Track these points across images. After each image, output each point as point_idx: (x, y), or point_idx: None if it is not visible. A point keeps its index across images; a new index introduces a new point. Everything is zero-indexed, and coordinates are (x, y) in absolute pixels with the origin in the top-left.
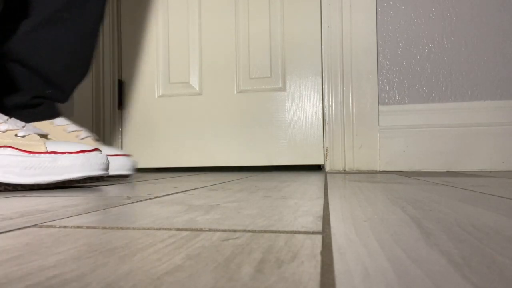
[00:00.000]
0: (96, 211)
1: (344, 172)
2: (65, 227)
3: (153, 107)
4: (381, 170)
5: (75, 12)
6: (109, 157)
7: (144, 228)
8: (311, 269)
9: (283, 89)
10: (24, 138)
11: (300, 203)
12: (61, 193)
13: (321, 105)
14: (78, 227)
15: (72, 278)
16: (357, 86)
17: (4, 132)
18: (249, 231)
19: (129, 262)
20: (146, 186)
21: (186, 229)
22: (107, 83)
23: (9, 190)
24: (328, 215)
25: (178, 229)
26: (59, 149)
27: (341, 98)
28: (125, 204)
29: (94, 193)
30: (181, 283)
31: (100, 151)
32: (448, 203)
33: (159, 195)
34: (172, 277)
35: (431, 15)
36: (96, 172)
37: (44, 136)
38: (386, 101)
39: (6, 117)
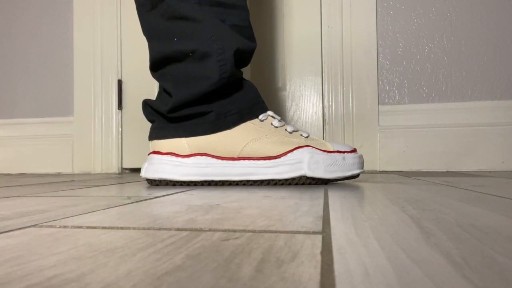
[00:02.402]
0: (96, 211)
1: None
2: (65, 227)
3: None
4: (381, 170)
5: None
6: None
7: (144, 228)
8: (311, 269)
9: (283, 89)
10: (307, 138)
11: (300, 203)
12: (61, 193)
13: (321, 105)
14: (78, 227)
15: (72, 278)
16: (357, 86)
17: (291, 132)
18: (249, 231)
19: (129, 262)
20: (146, 186)
21: (186, 229)
22: (107, 83)
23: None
24: (328, 215)
25: (178, 229)
26: (340, 148)
27: (341, 98)
28: (125, 204)
29: (94, 193)
30: (181, 283)
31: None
32: (448, 203)
33: (159, 195)
34: (172, 277)
35: (431, 15)
36: (360, 170)
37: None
38: (386, 101)
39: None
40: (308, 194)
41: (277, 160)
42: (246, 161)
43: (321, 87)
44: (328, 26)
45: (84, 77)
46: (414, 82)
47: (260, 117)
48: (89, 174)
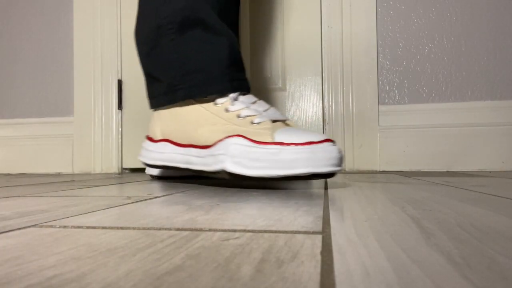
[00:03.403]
0: (96, 211)
1: (344, 172)
2: (65, 227)
3: None
4: (381, 170)
5: None
6: None
7: (144, 228)
8: (311, 269)
9: (283, 89)
10: (258, 125)
11: (300, 203)
12: (61, 193)
13: (321, 105)
14: (78, 227)
15: (72, 278)
16: (357, 86)
17: (243, 118)
18: (249, 231)
19: (129, 262)
20: (146, 186)
21: (186, 229)
22: (107, 83)
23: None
24: (328, 215)
25: (178, 229)
26: (287, 139)
27: (341, 98)
28: (125, 204)
29: (94, 193)
30: (181, 283)
31: (333, 142)
32: (448, 203)
33: (159, 195)
34: (172, 277)
35: (431, 15)
36: (323, 168)
37: (282, 121)
38: (386, 101)
39: (255, 99)
40: (308, 194)
41: (208, 150)
42: (191, 149)
43: (321, 87)
44: (328, 26)
45: (84, 77)
46: (414, 82)
47: (217, 101)
48: (89, 174)
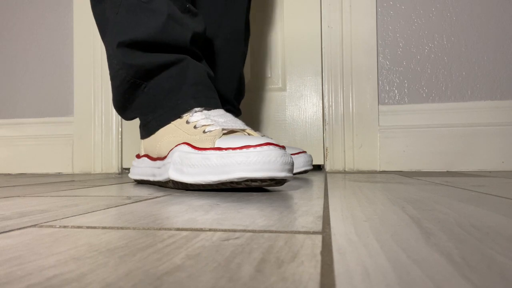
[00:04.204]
0: (96, 211)
1: (344, 172)
2: (65, 227)
3: None
4: (381, 170)
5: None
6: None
7: (144, 228)
8: (311, 269)
9: (283, 89)
10: (209, 133)
11: (300, 203)
12: (61, 193)
13: (321, 105)
14: (78, 227)
15: (72, 278)
16: (357, 86)
17: (199, 128)
18: (249, 231)
19: (129, 262)
20: (146, 186)
21: (186, 229)
22: (107, 83)
23: (181, 189)
24: (328, 215)
25: (178, 229)
26: (225, 144)
27: (341, 98)
28: (125, 204)
29: (94, 193)
30: (181, 283)
31: (278, 146)
32: (448, 203)
33: (159, 195)
34: (172, 277)
35: (431, 15)
36: (258, 173)
37: (241, 130)
38: (386, 101)
39: (222, 113)
40: (308, 194)
41: (163, 160)
42: (157, 162)
43: (321, 87)
44: (328, 26)
45: (84, 77)
46: (414, 82)
47: (184, 115)
48: (89, 174)
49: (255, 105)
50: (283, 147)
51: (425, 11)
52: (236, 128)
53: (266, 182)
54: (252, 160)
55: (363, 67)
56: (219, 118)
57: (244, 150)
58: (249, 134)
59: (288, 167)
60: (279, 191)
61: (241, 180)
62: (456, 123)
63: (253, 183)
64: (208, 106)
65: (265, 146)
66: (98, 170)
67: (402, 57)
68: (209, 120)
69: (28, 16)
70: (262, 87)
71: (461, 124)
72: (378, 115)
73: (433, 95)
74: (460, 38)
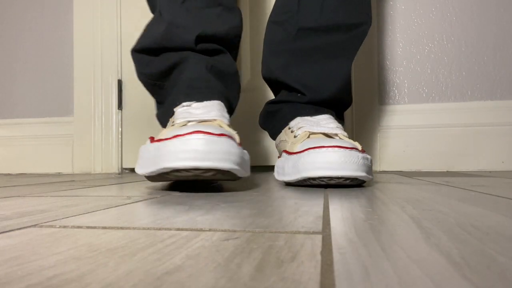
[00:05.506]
0: (96, 211)
1: None
2: (65, 227)
3: (152, 107)
4: (381, 170)
5: None
6: None
7: (144, 228)
8: (311, 269)
9: None
10: (173, 127)
11: (300, 203)
12: (61, 193)
13: None
14: (78, 227)
15: (72, 278)
16: (357, 86)
17: (174, 122)
18: (249, 231)
19: (129, 262)
20: (146, 186)
21: (186, 229)
22: (107, 83)
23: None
24: (328, 215)
25: (178, 229)
26: (165, 136)
27: None
28: (125, 204)
29: (94, 193)
30: (181, 283)
31: (211, 134)
32: (448, 203)
33: (159, 195)
34: (172, 277)
35: (431, 15)
36: (173, 163)
37: (211, 121)
38: (386, 101)
39: (209, 103)
40: (308, 194)
41: None
42: None
43: None
44: None
45: (84, 77)
46: (414, 82)
47: (175, 111)
48: (89, 174)
49: (255, 105)
50: (223, 135)
51: (425, 11)
52: (206, 118)
53: (191, 172)
54: (169, 149)
55: (363, 67)
56: (197, 110)
57: (173, 139)
58: (220, 126)
59: (204, 154)
60: (279, 191)
61: (168, 170)
62: (456, 123)
63: (186, 173)
64: (196, 99)
65: (193, 135)
66: (98, 170)
67: (402, 57)
68: (186, 114)
69: (28, 15)
70: (262, 87)
71: (461, 124)
72: (378, 115)
73: (433, 95)
74: (460, 38)
